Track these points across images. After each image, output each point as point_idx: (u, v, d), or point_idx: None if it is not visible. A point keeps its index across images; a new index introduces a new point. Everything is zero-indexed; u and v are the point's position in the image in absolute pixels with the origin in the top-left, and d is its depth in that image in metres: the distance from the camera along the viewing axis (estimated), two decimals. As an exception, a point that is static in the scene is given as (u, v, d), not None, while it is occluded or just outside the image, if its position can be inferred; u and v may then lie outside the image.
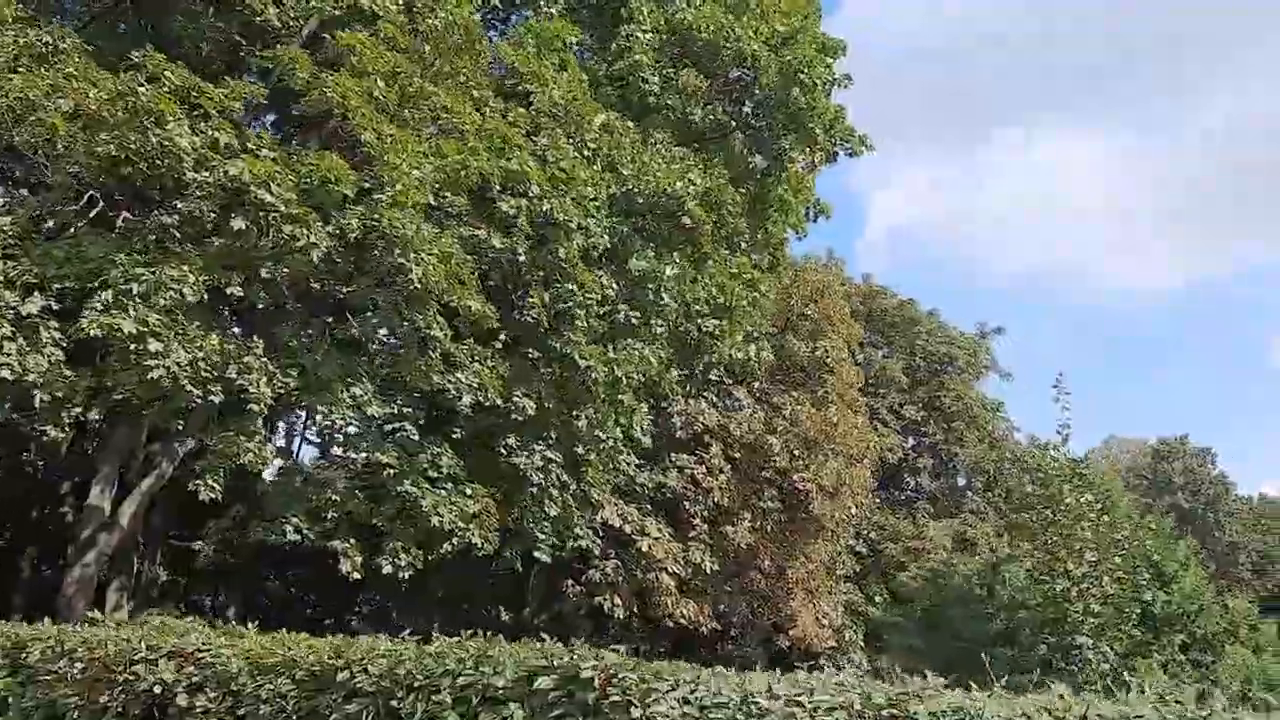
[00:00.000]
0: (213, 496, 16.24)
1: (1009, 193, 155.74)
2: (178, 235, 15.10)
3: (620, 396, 20.37)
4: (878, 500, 41.02)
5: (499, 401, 18.66)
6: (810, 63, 24.20)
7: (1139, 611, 20.83)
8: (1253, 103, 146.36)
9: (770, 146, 25.39)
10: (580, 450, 21.14)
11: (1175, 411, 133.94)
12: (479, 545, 19.56)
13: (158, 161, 14.01)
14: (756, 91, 24.96)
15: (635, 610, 28.62)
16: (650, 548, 27.51)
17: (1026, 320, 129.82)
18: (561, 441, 20.56)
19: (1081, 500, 21.65)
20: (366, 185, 15.74)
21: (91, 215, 15.42)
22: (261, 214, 14.75)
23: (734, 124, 25.32)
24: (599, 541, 26.42)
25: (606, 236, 19.61)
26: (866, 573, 39.56)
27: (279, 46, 16.58)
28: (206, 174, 14.30)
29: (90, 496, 23.05)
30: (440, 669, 6.30)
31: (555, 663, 5.75)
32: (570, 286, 19.19)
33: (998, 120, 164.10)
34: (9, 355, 13.98)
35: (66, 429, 17.24)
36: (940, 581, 23.24)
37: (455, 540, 19.35)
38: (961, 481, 47.37)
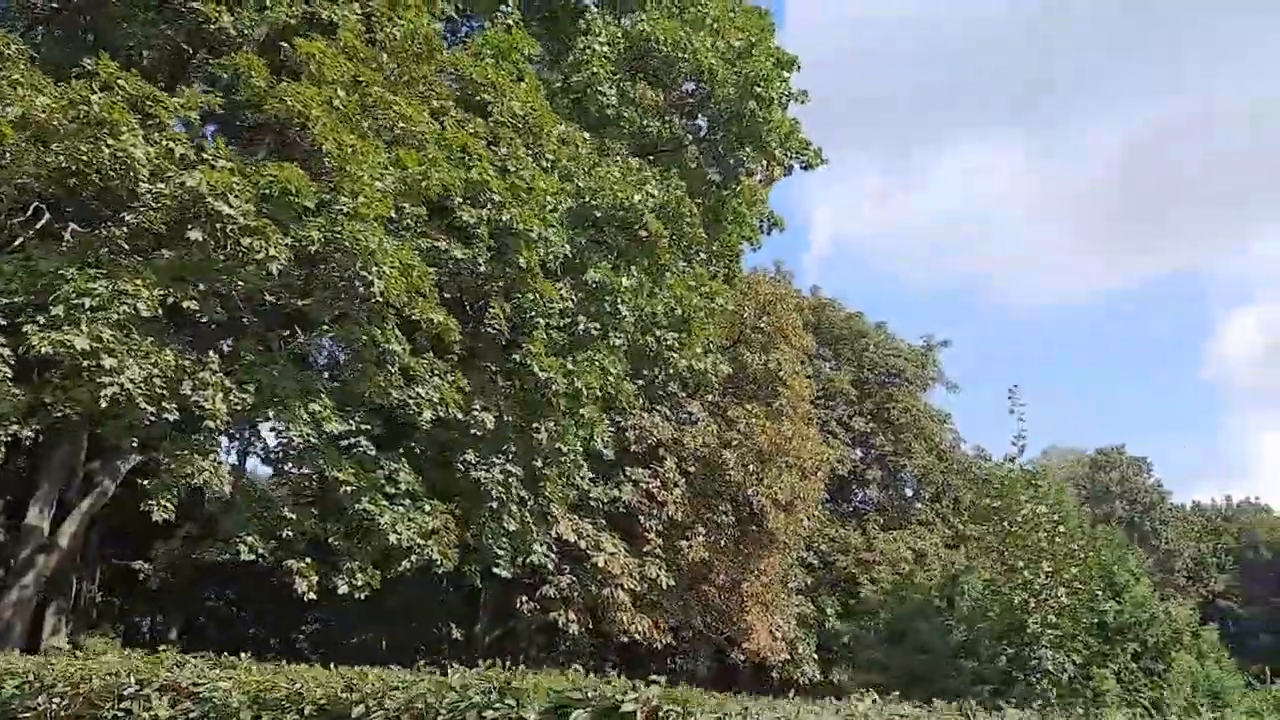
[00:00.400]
0: (166, 517, 15.81)
1: (930, 205, 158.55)
2: (129, 248, 14.71)
3: (581, 410, 20.26)
4: (827, 512, 41.33)
5: (458, 416, 18.47)
6: (767, 77, 24.41)
7: (1095, 622, 21.18)
8: (1183, 105, 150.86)
9: (726, 159, 25.54)
10: (539, 464, 21.00)
11: (1104, 421, 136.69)
12: (438, 562, 19.31)
13: (111, 173, 13.63)
14: (712, 105, 25.13)
15: (590, 626, 28.48)
16: (606, 562, 27.38)
17: (952, 331, 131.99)
18: (520, 455, 20.40)
19: (1037, 511, 21.98)
20: (325, 197, 15.47)
21: (40, 228, 15.00)
22: (218, 226, 14.44)
23: (690, 137, 25.42)
24: (553, 557, 26.24)
25: (567, 247, 19.52)
26: (818, 585, 39.76)
27: (231, 54, 16.24)
28: (162, 185, 13.97)
29: (28, 516, 22.41)
30: (464, 702, 5.82)
31: (590, 694, 5.31)
32: (531, 296, 19.09)
33: (923, 131, 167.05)
34: (-48, 371, 13.53)
35: (1, 447, 16.73)
36: (901, 594, 23.40)
37: (414, 558, 19.09)
38: (909, 492, 47.85)
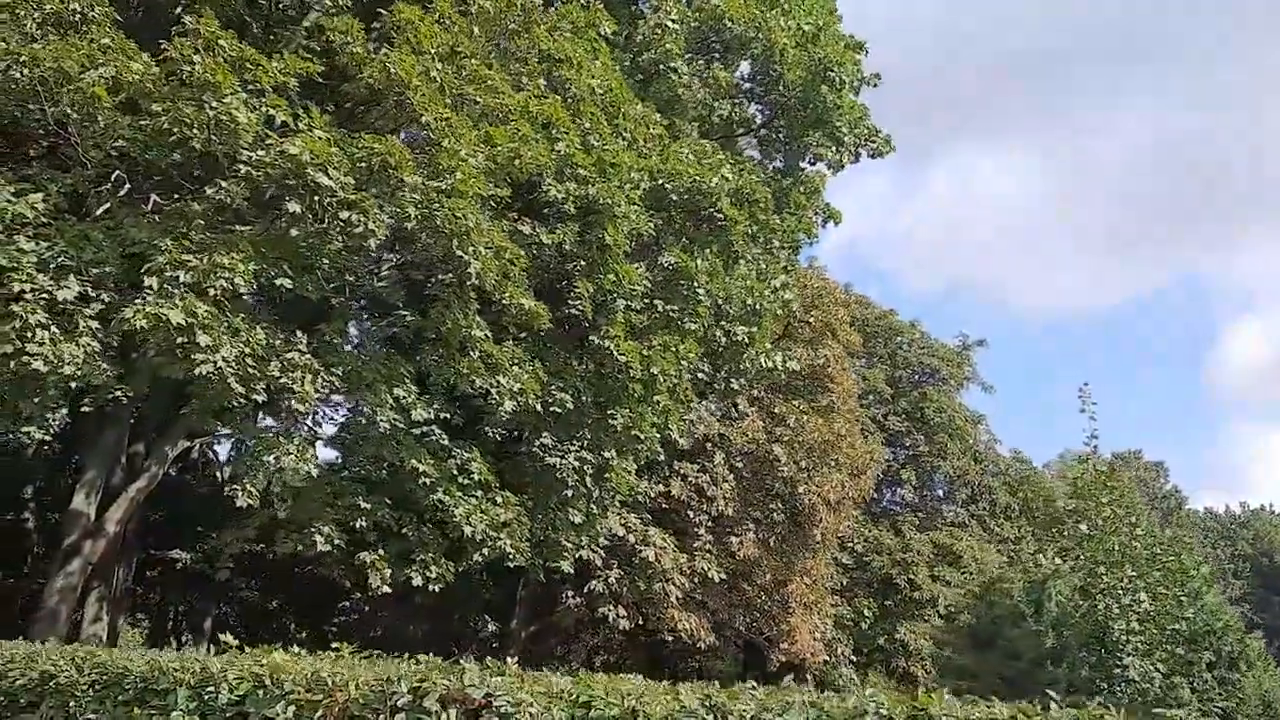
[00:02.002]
0: (250, 503, 15.37)
1: (938, 209, 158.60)
2: (223, 220, 14.27)
3: (656, 396, 19.87)
4: (859, 512, 41.06)
5: (537, 407, 18.06)
6: (839, 60, 24.00)
7: (1175, 629, 20.84)
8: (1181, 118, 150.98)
9: (792, 145, 25.14)
10: (609, 454, 20.62)
11: (1111, 427, 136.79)
12: (510, 556, 18.89)
13: (214, 137, 13.17)
14: (780, 88, 24.70)
15: (639, 623, 28.12)
16: (657, 557, 27.02)
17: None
18: (594, 442, 20.00)
19: (1118, 512, 21.63)
20: (420, 173, 15.01)
21: (132, 196, 14.54)
22: (316, 198, 13.98)
23: (757, 120, 24.99)
24: (600, 551, 25.89)
25: (651, 225, 19.14)
26: (853, 586, 39.48)
27: (329, 17, 15.75)
28: (262, 153, 13.49)
29: (74, 501, 21.94)
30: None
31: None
32: (611, 277, 18.70)
33: (933, 136, 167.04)
34: (42, 344, 13.02)
35: (52, 430, 16.26)
36: (990, 599, 23.08)
37: (485, 551, 18.67)
38: (940, 493, 47.58)
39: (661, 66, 21.96)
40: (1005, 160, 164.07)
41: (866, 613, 38.21)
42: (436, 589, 19.21)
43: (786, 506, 29.99)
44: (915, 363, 46.21)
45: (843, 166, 24.99)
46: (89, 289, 13.65)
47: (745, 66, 25.01)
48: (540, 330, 17.95)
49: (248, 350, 14.06)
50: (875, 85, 24.76)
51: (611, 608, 27.46)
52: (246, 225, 14.62)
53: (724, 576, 28.22)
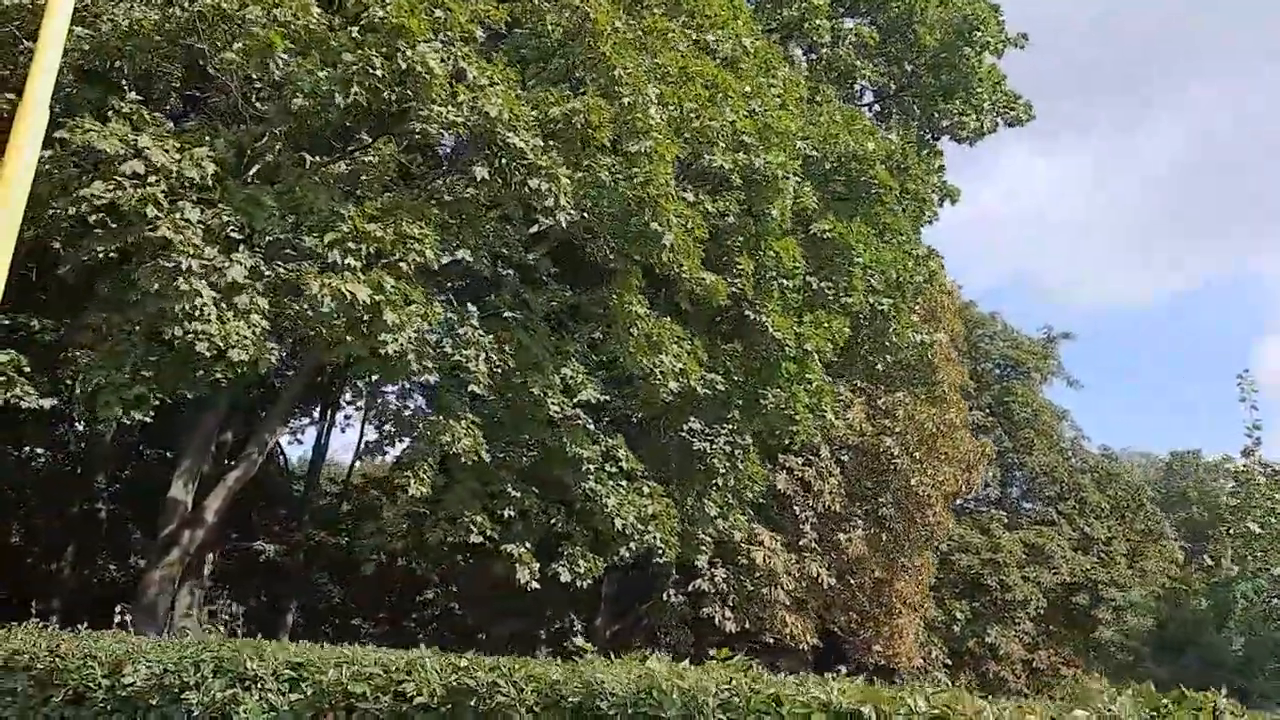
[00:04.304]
0: (423, 491, 14.72)
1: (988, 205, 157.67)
2: (395, 183, 13.58)
3: (809, 375, 19.21)
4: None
5: (698, 388, 17.40)
6: (983, 19, 23.23)
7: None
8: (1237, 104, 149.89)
9: (928, 112, 24.39)
10: (747, 440, 19.98)
11: (1156, 424, 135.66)
12: (660, 550, 18.25)
13: (408, 90, 12.45)
14: (915, 50, 23.95)
15: (745, 626, 27.52)
16: (766, 559, 26.41)
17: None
18: (742, 426, 19.37)
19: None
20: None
21: (285, 155, 13.81)
22: (504, 161, 13.29)
23: (893, 85, 24.25)
24: (707, 548, 25.31)
25: (814, 197, 18.45)
26: (941, 585, 38.83)
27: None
28: (453, 109, 12.76)
29: (172, 489, 21.40)
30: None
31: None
32: (773, 252, 18.03)
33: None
34: (209, 323, 12.31)
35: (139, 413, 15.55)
36: (1176, 601, 22.44)
37: (634, 544, 18.03)
38: (1017, 491, 46.98)
39: (805, 25, 21.16)
40: (1060, 153, 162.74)
41: (959, 614, 37.56)
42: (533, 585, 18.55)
43: (897, 500, 29.35)
44: (997, 356, 45.53)
45: (982, 135, 24.22)
46: (260, 261, 12.96)
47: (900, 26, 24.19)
48: (708, 305, 17.28)
49: (427, 327, 13.42)
50: (1022, 47, 23.90)
51: (717, 608, 26.88)
52: (417, 188, 13.97)
53: (834, 581, 27.61)
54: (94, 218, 12.40)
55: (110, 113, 13.05)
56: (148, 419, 14.83)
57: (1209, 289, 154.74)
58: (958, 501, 45.40)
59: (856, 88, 23.26)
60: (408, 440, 16.76)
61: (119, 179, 12.38)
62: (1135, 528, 44.47)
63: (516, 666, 6.01)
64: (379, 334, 12.68)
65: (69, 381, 22.99)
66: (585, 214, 14.26)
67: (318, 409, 29.94)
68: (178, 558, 21.03)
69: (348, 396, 30.30)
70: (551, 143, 13.69)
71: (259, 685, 7.53)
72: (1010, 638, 38.93)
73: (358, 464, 31.59)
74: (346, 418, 30.07)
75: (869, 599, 30.33)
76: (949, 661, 36.08)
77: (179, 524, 21.07)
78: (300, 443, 34.11)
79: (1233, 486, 22.75)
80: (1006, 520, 42.32)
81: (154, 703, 7.94)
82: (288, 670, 7.30)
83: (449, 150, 13.71)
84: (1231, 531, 21.99)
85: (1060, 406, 46.31)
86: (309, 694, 7.18)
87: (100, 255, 12.62)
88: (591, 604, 31.18)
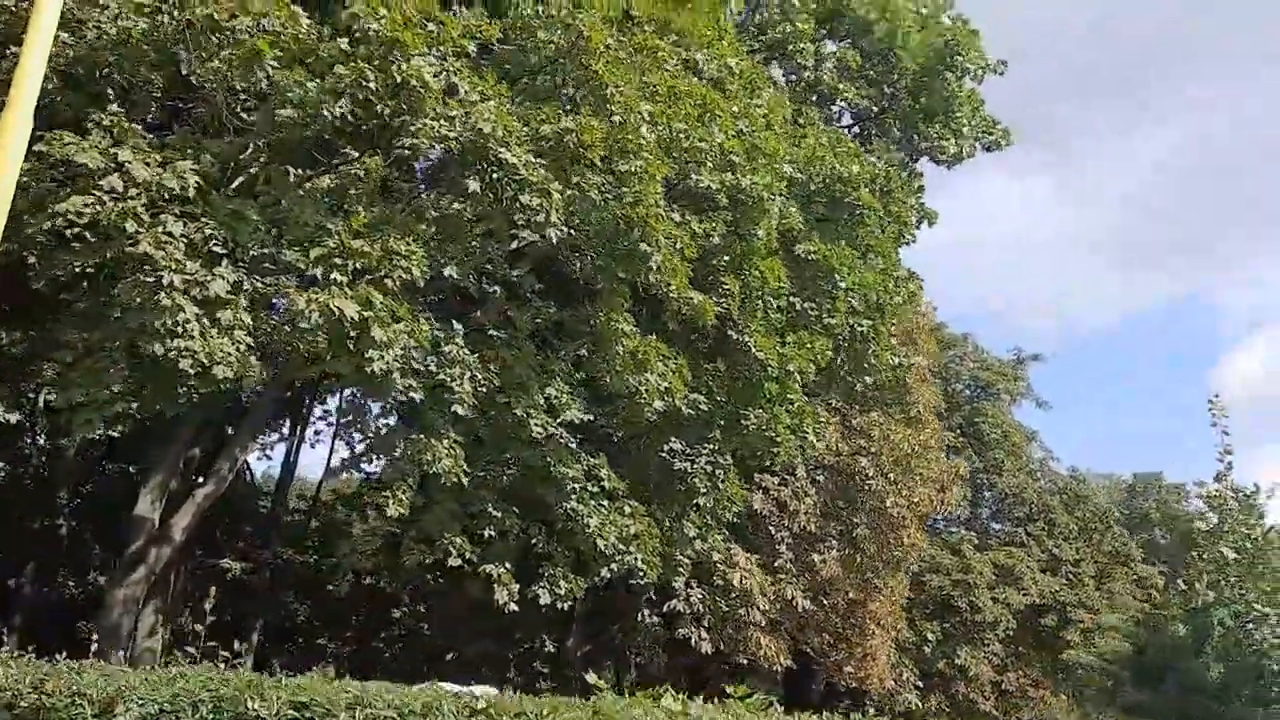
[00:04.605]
0: (401, 512, 14.46)
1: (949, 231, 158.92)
2: (382, 197, 13.38)
3: (790, 396, 19.16)
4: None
5: (683, 408, 17.28)
6: (963, 45, 23.39)
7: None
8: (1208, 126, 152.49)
9: (908, 136, 24.51)
10: (726, 460, 19.91)
11: (1117, 448, 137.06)
12: (641, 571, 18.07)
13: (403, 105, 12.28)
14: (896, 74, 24.06)
15: (720, 647, 27.37)
16: (743, 580, 26.29)
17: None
18: (723, 447, 19.28)
19: (1268, 535, 21.14)
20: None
21: (269, 169, 13.59)
22: (495, 176, 13.13)
23: (874, 108, 24.34)
24: (684, 569, 25.17)
25: (800, 219, 18.45)
26: (911, 606, 38.85)
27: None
28: (445, 124, 12.60)
29: (138, 506, 20.98)
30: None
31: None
32: (758, 272, 17.99)
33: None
34: (192, 339, 12.03)
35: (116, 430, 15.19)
36: (1153, 625, 22.51)
37: (615, 565, 17.85)
38: (987, 511, 47.18)
39: (789, 47, 21.20)
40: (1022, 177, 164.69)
41: (930, 635, 37.57)
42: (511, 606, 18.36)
43: (871, 521, 29.35)
44: (968, 377, 45.76)
45: (961, 159, 24.37)
46: (244, 276, 12.71)
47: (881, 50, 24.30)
48: (693, 325, 17.19)
49: (413, 344, 13.20)
50: (1001, 73, 24.08)
51: (694, 629, 26.70)
52: (402, 204, 13.77)
53: (809, 604, 27.56)
54: (71, 232, 12.12)
55: (90, 124, 12.80)
56: (115, 434, 14.54)
57: (1171, 310, 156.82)
58: (929, 522, 45.71)
59: (835, 109, 23.23)
60: (385, 459, 16.48)
61: (98, 193, 12.13)
62: (1103, 549, 44.83)
63: (545, 710, 5.82)
64: (366, 350, 12.47)
65: (32, 394, 22.51)
66: (573, 231, 14.10)
67: (287, 425, 29.59)
68: (143, 576, 20.60)
69: (318, 413, 30.09)
70: (541, 160, 13.55)
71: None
72: (980, 659, 38.99)
73: (327, 481, 31.15)
74: (317, 433, 29.69)
75: (842, 620, 30.29)
76: (920, 683, 36.02)
77: (145, 541, 20.64)
78: (269, 459, 33.71)
79: (1205, 510, 22.88)
80: (976, 541, 42.45)
81: (149, 746, 7.62)
82: (291, 711, 6.99)
83: (433, 165, 13.48)
84: (1205, 556, 22.11)
85: (1029, 427, 46.60)
86: (316, 737, 6.89)
87: (76, 270, 12.34)
88: (564, 625, 30.94)
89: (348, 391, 15.12)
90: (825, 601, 29.56)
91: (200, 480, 22.17)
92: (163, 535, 20.73)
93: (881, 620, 31.00)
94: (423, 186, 13.80)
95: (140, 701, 7.51)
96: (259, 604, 27.98)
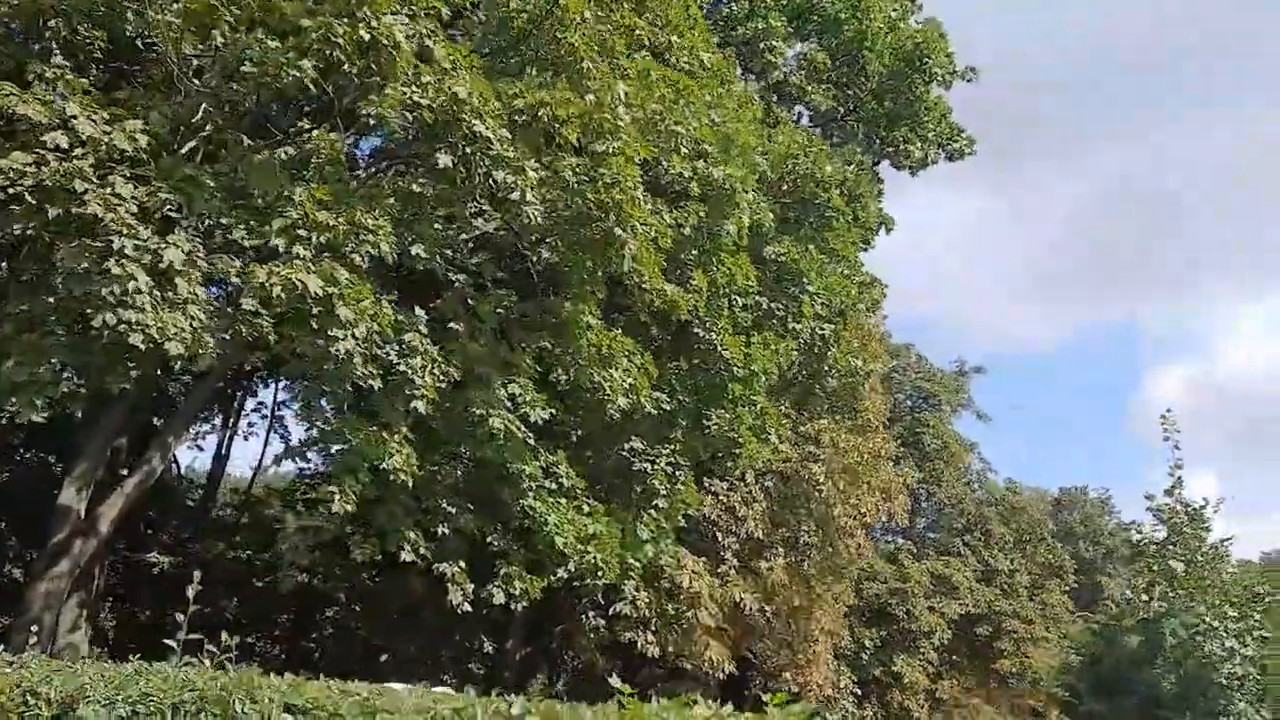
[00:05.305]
0: (348, 508, 13.61)
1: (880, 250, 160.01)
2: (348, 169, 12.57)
3: (754, 397, 18.65)
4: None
5: (648, 405, 16.65)
6: (933, 48, 23.11)
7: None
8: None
9: (873, 140, 24.18)
10: (686, 462, 19.35)
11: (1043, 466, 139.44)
12: (600, 571, 17.38)
13: (371, 65, 11.47)
14: (864, 76, 23.72)
15: (668, 650, 26.80)
16: (691, 582, 25.76)
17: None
18: (685, 448, 18.70)
19: (1217, 548, 21.17)
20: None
21: (225, 134, 12.68)
22: (468, 150, 12.39)
23: (841, 110, 23.96)
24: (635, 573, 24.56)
25: (771, 215, 17.94)
26: (849, 613, 38.70)
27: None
28: (417, 90, 11.84)
29: (62, 495, 19.78)
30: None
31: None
32: (726, 268, 17.45)
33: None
34: (143, 311, 11.09)
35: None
36: (1109, 637, 22.37)
37: (573, 565, 17.14)
38: (924, 521, 47.31)
39: (761, 45, 20.70)
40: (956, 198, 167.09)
41: (868, 643, 37.45)
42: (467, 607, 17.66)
43: (819, 529, 29.02)
44: (910, 387, 45.86)
45: (925, 165, 24.04)
46: (199, 246, 11.82)
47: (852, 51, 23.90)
48: (664, 319, 16.58)
49: (376, 328, 12.40)
50: (970, 80, 23.84)
51: (640, 633, 26.09)
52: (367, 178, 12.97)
53: (758, 607, 27.14)
54: (10, 191, 11.14)
55: (32, 76, 11.84)
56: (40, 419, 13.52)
57: (1096, 333, 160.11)
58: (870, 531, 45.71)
59: (796, 110, 22.81)
60: (333, 451, 15.58)
61: (41, 150, 11.18)
62: (1036, 560, 45.27)
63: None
64: (329, 329, 11.65)
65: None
66: (544, 215, 13.39)
67: (219, 416, 28.40)
68: (67, 569, 19.39)
69: (251, 405, 28.91)
70: (514, 136, 12.85)
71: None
72: (915, 667, 39.08)
73: (261, 475, 30.02)
74: (250, 425, 28.56)
75: (784, 626, 29.97)
76: (857, 690, 35.84)
77: (70, 533, 19.42)
78: (201, 449, 32.36)
79: (1143, 524, 22.85)
80: (914, 550, 42.54)
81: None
82: (286, 715, 6.15)
83: (398, 138, 12.69)
84: (1155, 568, 22.07)
85: (969, 439, 46.86)
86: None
87: (16, 233, 11.37)
88: (503, 626, 30.13)
89: (292, 380, 14.11)
90: (769, 608, 29.20)
91: (127, 471, 20.97)
92: (88, 527, 19.57)
93: (826, 627, 30.77)
94: (385, 163, 12.95)
95: (106, 703, 6.65)
96: (185, 600, 26.74)
